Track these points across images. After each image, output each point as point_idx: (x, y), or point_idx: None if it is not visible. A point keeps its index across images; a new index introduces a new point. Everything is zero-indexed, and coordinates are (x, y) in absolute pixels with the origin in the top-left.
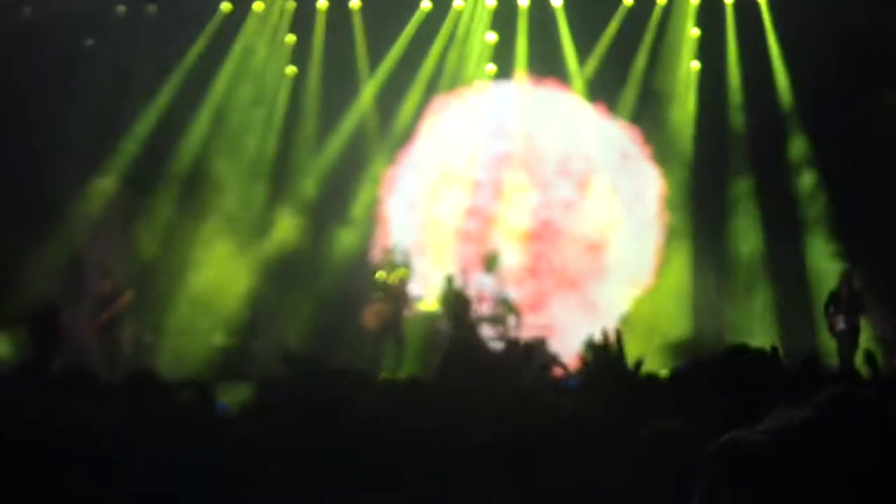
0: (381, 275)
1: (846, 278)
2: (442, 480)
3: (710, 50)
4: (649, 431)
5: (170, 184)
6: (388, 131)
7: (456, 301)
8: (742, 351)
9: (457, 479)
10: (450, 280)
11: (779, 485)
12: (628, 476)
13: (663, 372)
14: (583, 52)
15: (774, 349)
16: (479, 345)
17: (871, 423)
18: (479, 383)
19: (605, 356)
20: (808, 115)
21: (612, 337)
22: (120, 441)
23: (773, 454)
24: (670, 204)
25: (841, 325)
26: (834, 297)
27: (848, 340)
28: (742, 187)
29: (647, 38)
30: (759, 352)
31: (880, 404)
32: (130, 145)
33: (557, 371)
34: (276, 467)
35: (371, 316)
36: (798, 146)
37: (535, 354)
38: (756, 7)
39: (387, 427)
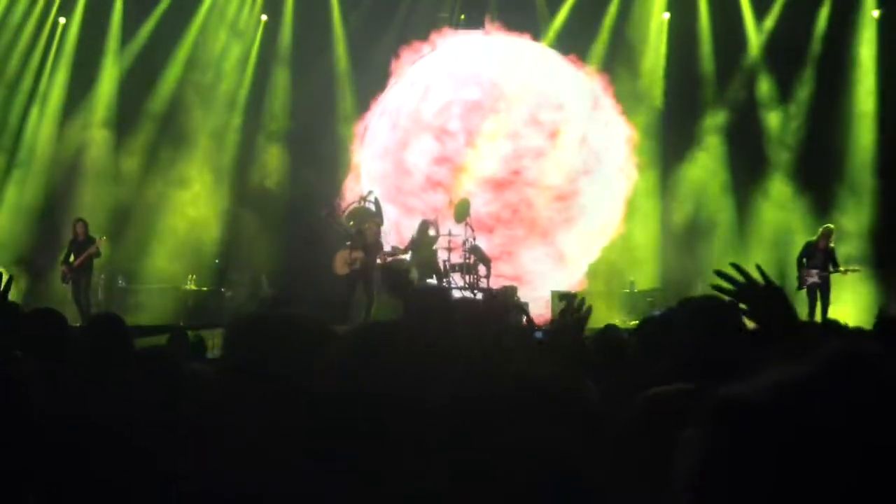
0: (351, 224)
1: (826, 233)
2: (409, 430)
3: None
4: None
5: (145, 127)
6: (360, 78)
7: (426, 249)
8: (708, 303)
9: (423, 430)
10: (420, 228)
11: (782, 448)
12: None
13: (631, 323)
14: (553, 1)
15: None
16: (447, 293)
17: (884, 383)
18: (447, 331)
19: (564, 324)
20: (775, 61)
21: (575, 305)
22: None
23: (778, 414)
24: (639, 151)
25: (814, 278)
26: (811, 250)
27: (821, 295)
28: (710, 126)
29: None
30: (728, 304)
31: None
32: (106, 88)
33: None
34: (249, 416)
35: (342, 263)
36: (764, 89)
37: (508, 305)
38: None
39: (357, 372)
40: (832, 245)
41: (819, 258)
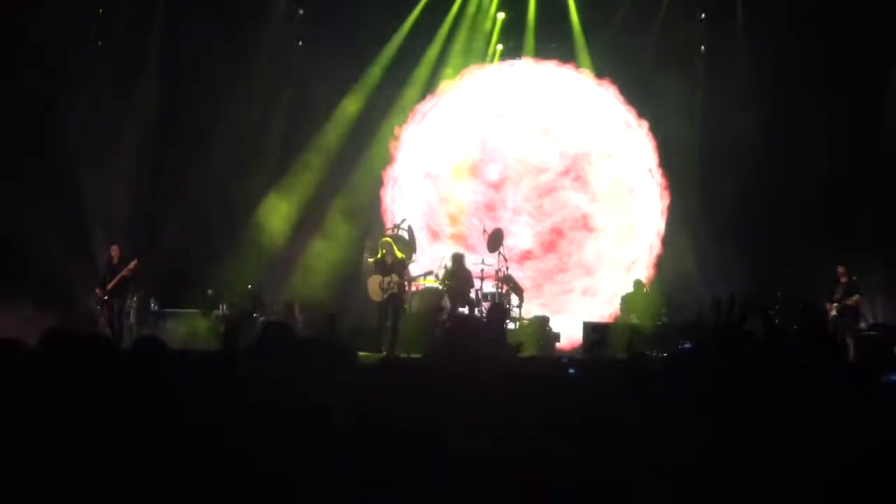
0: (380, 252)
1: (841, 269)
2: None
3: (715, 33)
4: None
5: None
6: (396, 108)
7: (460, 278)
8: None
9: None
10: (454, 258)
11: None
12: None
13: (663, 354)
14: (592, 32)
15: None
16: (480, 323)
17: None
18: (478, 363)
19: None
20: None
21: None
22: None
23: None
24: (674, 180)
25: (833, 312)
26: (834, 286)
27: (845, 325)
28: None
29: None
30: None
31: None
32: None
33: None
34: (277, 448)
35: (377, 290)
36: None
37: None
38: None
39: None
40: (851, 278)
41: (840, 292)
